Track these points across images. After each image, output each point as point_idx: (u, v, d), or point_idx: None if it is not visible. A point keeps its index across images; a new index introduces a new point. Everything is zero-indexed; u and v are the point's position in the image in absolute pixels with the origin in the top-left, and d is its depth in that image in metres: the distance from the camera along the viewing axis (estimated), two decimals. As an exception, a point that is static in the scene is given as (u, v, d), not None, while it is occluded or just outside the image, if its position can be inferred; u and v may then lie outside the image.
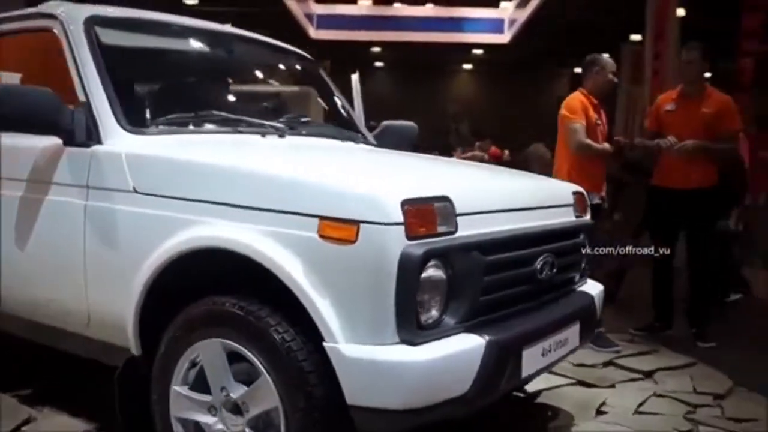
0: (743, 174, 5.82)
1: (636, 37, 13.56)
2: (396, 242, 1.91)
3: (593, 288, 2.85)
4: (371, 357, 1.91)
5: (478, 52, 18.53)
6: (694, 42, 4.44)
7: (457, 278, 2.04)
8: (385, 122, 3.71)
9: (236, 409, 2.15)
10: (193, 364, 2.23)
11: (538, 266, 2.32)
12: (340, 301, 1.94)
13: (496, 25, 16.72)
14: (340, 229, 1.94)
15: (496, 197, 2.36)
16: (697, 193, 4.29)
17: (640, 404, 3.33)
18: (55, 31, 2.70)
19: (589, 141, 4.08)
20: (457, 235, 2.05)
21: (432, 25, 16.80)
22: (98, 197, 2.43)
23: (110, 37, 2.73)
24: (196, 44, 3.18)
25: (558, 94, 13.82)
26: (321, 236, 1.96)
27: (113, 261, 2.39)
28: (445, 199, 2.06)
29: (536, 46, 16.05)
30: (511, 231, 2.27)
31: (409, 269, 1.91)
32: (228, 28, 3.36)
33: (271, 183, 2.11)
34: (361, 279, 1.92)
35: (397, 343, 1.93)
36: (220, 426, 2.18)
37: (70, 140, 2.51)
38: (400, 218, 1.92)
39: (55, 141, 2.57)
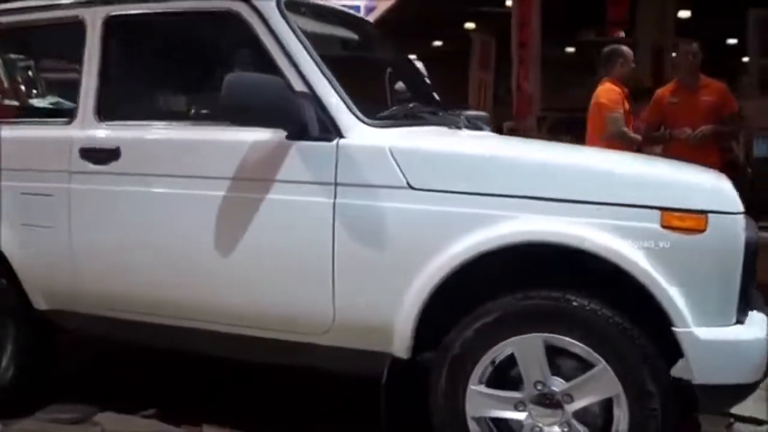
0: None
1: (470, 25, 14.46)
2: (741, 230, 2.04)
3: None
4: (725, 338, 2.03)
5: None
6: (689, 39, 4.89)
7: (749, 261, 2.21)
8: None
9: (548, 402, 2.16)
10: (492, 362, 2.19)
11: None
12: (689, 287, 2.02)
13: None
14: (687, 219, 2.02)
15: None
16: None
17: None
18: (244, 14, 2.45)
19: (626, 129, 4.39)
20: None
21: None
22: (353, 195, 2.27)
23: (301, 22, 2.53)
24: (356, 31, 3.03)
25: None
26: (664, 227, 2.03)
27: (379, 261, 2.25)
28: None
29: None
30: None
31: (750, 254, 2.06)
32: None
33: (608, 177, 2.14)
34: (711, 265, 2.03)
35: (734, 324, 2.07)
36: (530, 421, 2.17)
37: (300, 134, 2.31)
38: (742, 208, 2.06)
39: (269, 135, 2.36)
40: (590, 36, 11.35)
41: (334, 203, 2.28)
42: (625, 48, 4.63)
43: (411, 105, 2.69)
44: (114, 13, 2.67)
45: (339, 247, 2.28)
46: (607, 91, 4.50)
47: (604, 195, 2.08)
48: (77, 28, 2.70)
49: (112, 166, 2.58)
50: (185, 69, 2.82)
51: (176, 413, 2.86)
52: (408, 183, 2.22)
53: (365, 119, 2.35)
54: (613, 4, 10.88)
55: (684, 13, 12.09)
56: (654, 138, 4.90)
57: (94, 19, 2.67)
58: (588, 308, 2.07)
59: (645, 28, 10.64)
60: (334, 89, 2.36)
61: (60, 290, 2.74)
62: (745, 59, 18.55)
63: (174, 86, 2.96)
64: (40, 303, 2.78)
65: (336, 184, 2.29)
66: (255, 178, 2.38)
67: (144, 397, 2.98)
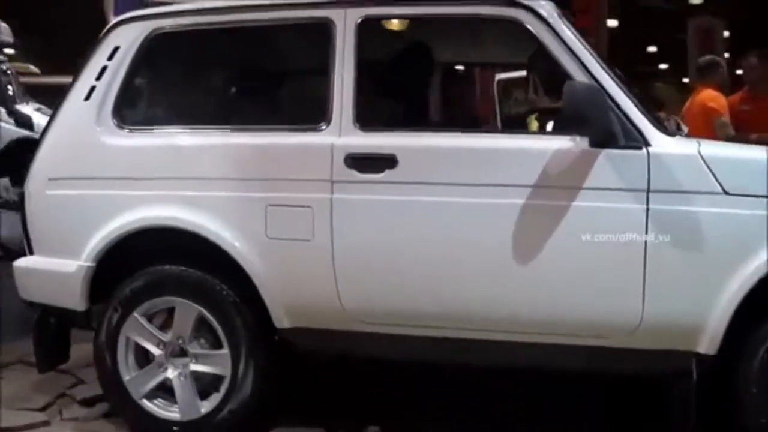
0: None
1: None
2: None
3: None
4: None
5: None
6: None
7: None
8: None
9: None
10: None
11: None
12: None
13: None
14: None
15: None
16: None
17: None
18: (526, 22, 2.48)
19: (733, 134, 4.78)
20: None
21: None
22: (667, 201, 2.36)
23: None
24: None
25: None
26: None
27: (693, 264, 2.36)
28: None
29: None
30: None
31: None
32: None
33: None
34: None
35: None
36: None
37: (606, 142, 2.37)
38: None
39: (569, 142, 2.41)
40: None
41: (647, 209, 2.36)
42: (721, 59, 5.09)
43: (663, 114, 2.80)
44: (369, 15, 2.60)
45: (651, 251, 2.36)
46: (714, 98, 4.86)
47: None
48: (324, 29, 2.61)
49: (387, 175, 2.51)
50: (445, 75, 2.78)
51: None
52: (723, 189, 2.34)
53: (660, 127, 2.45)
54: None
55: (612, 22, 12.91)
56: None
57: (346, 20, 2.59)
58: None
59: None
60: (629, 98, 2.44)
61: (312, 306, 2.63)
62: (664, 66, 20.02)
63: (431, 93, 2.90)
64: (282, 320, 2.65)
65: (649, 191, 2.37)
66: (559, 185, 2.41)
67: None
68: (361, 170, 2.53)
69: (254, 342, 2.68)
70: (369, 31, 2.60)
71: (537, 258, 2.43)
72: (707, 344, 2.37)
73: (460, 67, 2.76)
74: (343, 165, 2.54)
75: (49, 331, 2.95)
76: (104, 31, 2.89)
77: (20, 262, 2.95)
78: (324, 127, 2.59)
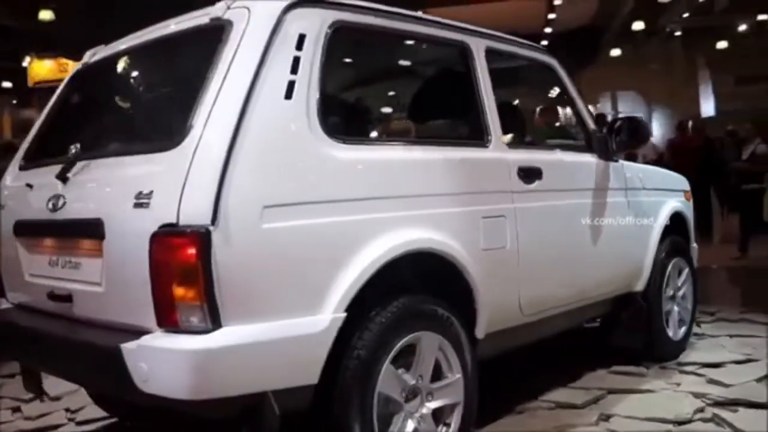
0: None
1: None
2: None
3: None
4: None
5: None
6: None
7: None
8: None
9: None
10: None
11: None
12: None
13: None
14: None
15: None
16: None
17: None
18: (555, 66, 3.38)
19: None
20: None
21: None
22: (631, 195, 3.62)
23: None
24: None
25: None
26: None
27: (643, 230, 3.69)
28: None
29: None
30: None
31: None
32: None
33: None
34: None
35: None
36: None
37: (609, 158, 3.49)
38: None
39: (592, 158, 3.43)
40: None
41: (627, 201, 3.58)
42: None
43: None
44: (490, 47, 2.95)
45: (632, 226, 3.59)
46: None
47: None
48: (460, 52, 2.85)
49: (538, 185, 2.94)
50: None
51: None
52: (643, 186, 3.75)
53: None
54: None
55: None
56: None
57: (478, 47, 2.88)
58: None
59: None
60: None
61: (501, 309, 2.76)
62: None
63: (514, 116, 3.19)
64: (481, 331, 2.68)
65: (626, 189, 3.58)
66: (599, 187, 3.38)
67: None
68: (525, 181, 2.89)
69: (473, 359, 2.61)
70: (490, 58, 2.94)
71: (602, 239, 3.32)
72: (642, 283, 3.72)
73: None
74: (516, 177, 2.85)
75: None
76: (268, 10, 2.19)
77: (197, 344, 1.92)
78: (488, 143, 2.81)
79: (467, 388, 2.56)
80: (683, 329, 4.03)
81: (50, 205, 2.42)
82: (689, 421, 3.02)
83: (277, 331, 2.03)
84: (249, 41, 2.14)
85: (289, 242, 2.08)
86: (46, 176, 2.53)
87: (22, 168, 2.84)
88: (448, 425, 2.52)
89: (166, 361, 1.93)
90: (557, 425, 3.02)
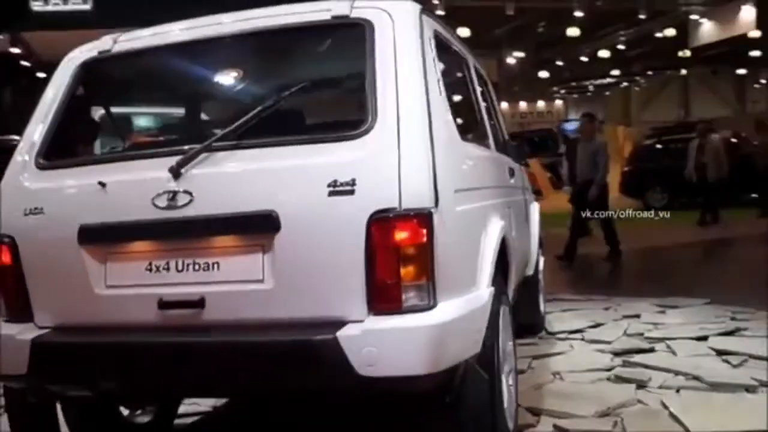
0: None
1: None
2: None
3: None
4: None
5: None
6: None
7: None
8: None
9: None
10: None
11: None
12: None
13: None
14: None
15: None
16: None
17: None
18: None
19: None
20: None
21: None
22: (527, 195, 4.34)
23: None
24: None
25: None
26: None
27: (531, 221, 4.42)
28: None
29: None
30: None
31: None
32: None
33: None
34: None
35: None
36: None
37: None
38: None
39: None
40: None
41: (525, 199, 4.28)
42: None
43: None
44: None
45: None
46: None
47: None
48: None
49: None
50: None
51: None
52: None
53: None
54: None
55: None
56: None
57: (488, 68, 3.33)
58: None
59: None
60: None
61: None
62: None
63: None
64: None
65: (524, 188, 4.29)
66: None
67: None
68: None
69: None
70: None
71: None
72: (532, 268, 4.45)
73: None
74: None
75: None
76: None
77: (431, 320, 2.06)
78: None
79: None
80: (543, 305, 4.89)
81: (162, 203, 2.21)
82: (613, 368, 3.78)
83: (466, 305, 2.24)
84: (403, 40, 2.26)
85: (467, 222, 2.31)
86: (128, 172, 2.31)
87: (43, 167, 2.46)
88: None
89: (401, 341, 2.02)
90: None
